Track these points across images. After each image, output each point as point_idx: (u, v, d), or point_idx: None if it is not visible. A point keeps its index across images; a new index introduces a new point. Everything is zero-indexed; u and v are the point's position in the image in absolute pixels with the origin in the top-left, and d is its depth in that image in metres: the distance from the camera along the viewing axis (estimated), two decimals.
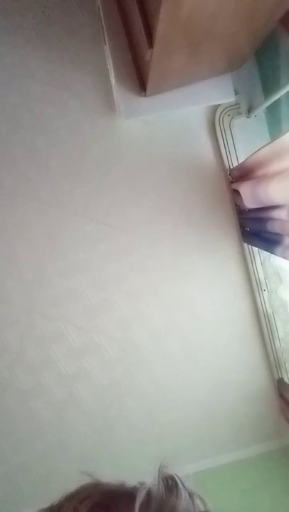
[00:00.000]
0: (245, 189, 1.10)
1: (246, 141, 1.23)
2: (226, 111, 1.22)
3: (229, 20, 0.81)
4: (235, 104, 1.22)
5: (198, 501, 0.35)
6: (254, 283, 1.31)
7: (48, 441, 1.30)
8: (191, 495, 0.35)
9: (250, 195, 1.08)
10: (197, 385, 1.36)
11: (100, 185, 1.24)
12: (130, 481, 0.36)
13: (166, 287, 1.31)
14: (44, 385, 1.29)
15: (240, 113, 1.22)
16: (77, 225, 1.25)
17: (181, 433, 1.37)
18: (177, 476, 0.36)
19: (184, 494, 0.35)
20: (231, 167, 1.25)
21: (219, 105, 1.22)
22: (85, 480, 0.36)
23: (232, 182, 1.26)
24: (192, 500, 0.35)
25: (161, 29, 0.81)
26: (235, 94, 1.19)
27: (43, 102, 1.21)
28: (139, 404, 1.33)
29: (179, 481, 0.36)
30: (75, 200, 1.24)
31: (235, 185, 1.22)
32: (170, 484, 0.35)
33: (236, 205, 1.27)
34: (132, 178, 1.25)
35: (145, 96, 1.17)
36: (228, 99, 1.19)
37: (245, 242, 1.29)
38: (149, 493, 0.34)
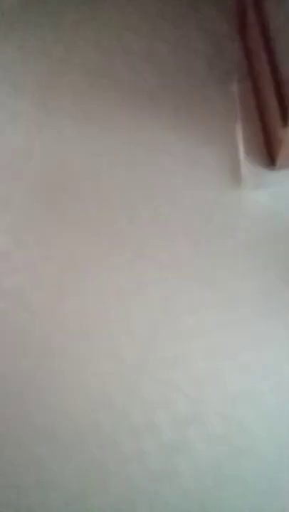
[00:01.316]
0: None
1: None
2: None
3: None
4: None
5: None
6: None
7: None
8: None
9: None
10: None
11: (220, 254, 1.26)
12: None
13: (283, 365, 1.22)
14: (144, 450, 1.26)
15: None
16: (193, 291, 1.26)
17: None
18: None
19: None
20: None
21: None
22: None
23: None
24: None
25: None
26: None
27: (173, 174, 1.31)
28: (243, 495, 1.21)
29: None
30: (193, 266, 1.27)
31: None
32: None
33: None
34: (252, 251, 1.25)
35: (274, 169, 1.18)
36: None
37: None
38: None
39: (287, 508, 1.20)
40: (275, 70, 0.99)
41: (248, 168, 1.22)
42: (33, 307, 1.35)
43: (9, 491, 1.24)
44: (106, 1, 1.59)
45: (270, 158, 1.20)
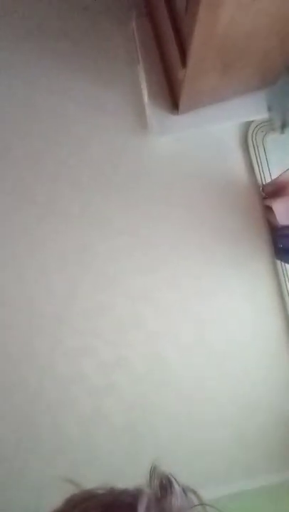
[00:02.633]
0: (278, 206, 1.09)
1: (280, 157, 1.21)
2: (259, 127, 1.21)
3: (264, 39, 0.81)
4: (269, 120, 1.21)
5: (191, 495, 0.36)
6: (287, 300, 1.28)
7: (75, 456, 1.30)
8: (184, 490, 0.36)
9: (284, 212, 1.06)
10: (226, 403, 1.33)
11: (131, 201, 1.26)
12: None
13: (195, 303, 1.30)
14: (73, 398, 1.29)
15: (274, 129, 1.21)
16: (108, 240, 1.26)
17: (209, 453, 1.34)
18: (170, 474, 0.37)
19: (178, 491, 0.35)
20: (264, 183, 1.24)
21: (252, 121, 1.22)
22: (71, 490, 0.36)
23: (265, 198, 1.24)
24: (186, 495, 0.36)
25: (194, 49, 0.82)
26: (269, 111, 1.18)
27: (76, 121, 1.24)
28: (167, 422, 1.32)
29: (172, 479, 0.36)
30: (106, 216, 1.26)
31: (268, 202, 1.20)
32: (164, 483, 0.36)
33: (269, 221, 1.25)
34: (161, 195, 1.26)
35: (177, 114, 1.18)
36: (262, 115, 1.18)
37: (278, 259, 1.26)
38: (149, 500, 0.34)
39: (203, 430, 1.33)
40: (170, 6, 0.95)
41: (153, 112, 1.20)
42: None
43: None
44: None
45: (173, 100, 1.19)
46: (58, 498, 0.39)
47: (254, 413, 1.33)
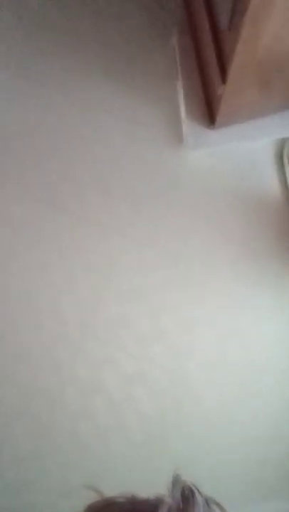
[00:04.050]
0: None
1: None
2: None
3: None
4: None
5: (214, 507, 0.35)
6: None
7: (91, 466, 1.29)
8: (207, 502, 0.35)
9: None
10: (249, 424, 1.29)
11: (161, 213, 1.27)
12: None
13: (220, 320, 1.28)
14: (92, 408, 1.29)
15: None
16: (136, 252, 1.27)
17: (229, 475, 1.29)
18: (193, 484, 0.35)
19: (201, 502, 0.34)
20: None
21: (288, 138, 1.21)
22: (92, 497, 0.36)
23: None
24: (209, 507, 0.34)
25: (235, 65, 0.83)
26: None
27: (111, 133, 1.27)
28: (185, 439, 1.29)
29: (195, 490, 0.35)
30: (135, 227, 1.27)
31: None
32: (186, 494, 0.34)
33: None
34: (192, 209, 1.26)
35: (214, 128, 1.19)
36: None
37: None
38: (170, 510, 0.33)
39: (223, 450, 1.29)
40: (213, 23, 0.96)
41: (189, 126, 1.21)
42: None
43: None
44: None
45: (210, 115, 1.19)
46: (74, 506, 0.38)
47: (277, 435, 1.29)
